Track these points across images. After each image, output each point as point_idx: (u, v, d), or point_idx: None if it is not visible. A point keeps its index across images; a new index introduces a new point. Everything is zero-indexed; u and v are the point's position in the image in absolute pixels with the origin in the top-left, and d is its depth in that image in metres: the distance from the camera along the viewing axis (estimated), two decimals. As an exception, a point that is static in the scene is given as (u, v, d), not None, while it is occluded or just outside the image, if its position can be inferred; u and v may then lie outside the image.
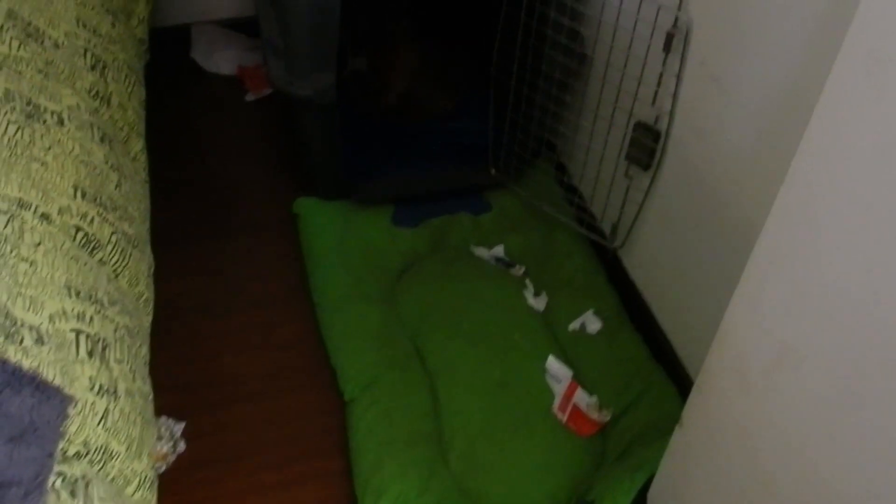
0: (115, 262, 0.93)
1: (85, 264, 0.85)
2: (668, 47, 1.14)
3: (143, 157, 1.23)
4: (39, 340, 0.71)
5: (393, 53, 1.74)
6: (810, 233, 0.68)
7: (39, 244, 0.82)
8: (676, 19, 1.12)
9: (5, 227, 0.79)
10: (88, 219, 0.91)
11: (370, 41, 1.80)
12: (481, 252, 1.50)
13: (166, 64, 1.70)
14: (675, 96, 1.18)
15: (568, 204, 1.55)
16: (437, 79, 1.76)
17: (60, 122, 1.01)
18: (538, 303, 1.40)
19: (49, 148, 0.96)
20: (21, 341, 0.70)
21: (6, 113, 0.96)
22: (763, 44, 0.97)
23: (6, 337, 0.68)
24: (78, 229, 0.89)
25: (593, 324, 1.36)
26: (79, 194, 0.94)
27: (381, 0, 1.79)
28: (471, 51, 1.72)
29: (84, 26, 1.21)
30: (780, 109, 0.97)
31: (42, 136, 0.97)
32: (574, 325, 1.36)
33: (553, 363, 1.29)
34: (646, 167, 1.28)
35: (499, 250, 1.50)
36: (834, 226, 0.65)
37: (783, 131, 0.97)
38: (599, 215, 1.48)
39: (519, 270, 1.47)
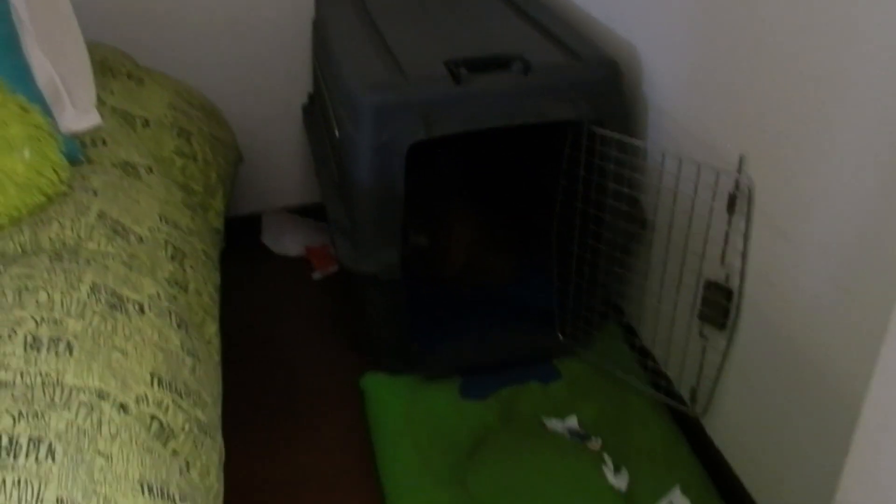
0: (188, 453, 0.92)
1: (158, 456, 0.84)
2: (731, 208, 1.14)
3: (216, 341, 1.26)
4: (111, 541, 0.69)
5: (451, 227, 1.80)
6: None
7: (116, 436, 0.82)
8: (737, 182, 1.13)
9: (85, 419, 0.80)
10: (164, 406, 0.92)
11: (430, 217, 1.87)
12: (554, 424, 1.43)
13: (239, 249, 1.79)
14: (744, 254, 1.16)
15: (641, 368, 1.50)
16: (496, 247, 1.79)
17: (141, 311, 1.05)
18: (619, 481, 1.31)
19: (129, 337, 0.99)
20: (92, 543, 0.67)
21: (91, 305, 1.00)
22: (828, 198, 0.96)
23: (78, 538, 0.66)
24: (153, 418, 0.89)
25: (681, 503, 1.25)
26: (155, 381, 0.95)
27: (438, 179, 1.88)
28: (530, 215, 1.76)
29: (166, 221, 1.29)
30: (856, 260, 0.94)
31: (124, 326, 1.00)
32: (661, 504, 1.26)
33: (643, 547, 1.18)
34: (721, 326, 1.24)
35: (572, 422, 1.44)
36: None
37: (864, 281, 0.93)
38: (676, 379, 1.41)
39: (596, 444, 1.39)
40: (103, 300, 1.02)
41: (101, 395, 0.87)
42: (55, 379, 0.86)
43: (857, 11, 0.87)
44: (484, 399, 1.48)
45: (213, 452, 0.98)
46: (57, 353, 0.90)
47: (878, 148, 0.87)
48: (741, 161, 1.13)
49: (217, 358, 1.23)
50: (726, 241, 1.19)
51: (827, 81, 0.93)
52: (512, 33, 1.49)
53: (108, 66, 1.61)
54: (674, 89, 1.31)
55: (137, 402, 0.90)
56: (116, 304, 1.03)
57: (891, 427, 0.67)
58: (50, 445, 0.77)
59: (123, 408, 0.87)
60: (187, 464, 0.91)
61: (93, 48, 1.60)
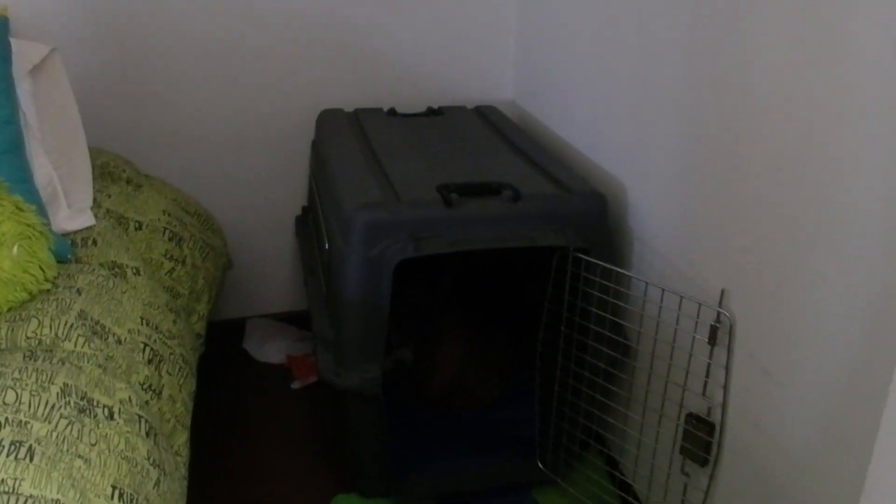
0: (141, 573, 0.87)
1: (109, 576, 0.79)
2: (713, 340, 1.15)
3: (185, 451, 1.21)
4: None
5: (438, 343, 1.78)
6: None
7: (66, 552, 0.77)
8: (718, 315, 1.14)
9: (35, 533, 0.76)
10: (121, 523, 0.87)
11: (415, 332, 1.86)
12: (531, 557, 1.37)
13: (220, 353, 1.76)
14: (725, 388, 1.15)
15: None
16: (482, 367, 1.77)
17: (110, 416, 1.02)
18: None
19: (95, 444, 0.96)
20: None
21: (59, 408, 0.97)
22: (810, 337, 0.97)
23: None
24: (109, 535, 0.85)
25: None
26: (116, 494, 0.90)
27: (425, 294, 1.89)
28: (516, 338, 1.75)
29: (147, 324, 1.28)
30: (843, 402, 0.93)
31: (90, 432, 0.97)
32: None
33: None
34: (703, 463, 1.21)
35: (550, 555, 1.38)
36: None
37: (850, 426, 0.92)
38: (658, 516, 1.37)
39: (574, 580, 1.33)
40: (72, 403, 0.99)
41: (57, 507, 0.83)
42: (11, 487, 0.82)
43: (836, 154, 0.92)
44: (460, 530, 1.42)
45: (168, 575, 0.92)
46: (17, 457, 0.87)
47: (860, 289, 0.89)
48: (722, 295, 1.14)
49: (184, 471, 1.19)
50: (708, 374, 1.18)
51: (807, 222, 0.96)
52: (505, 165, 1.55)
53: (108, 170, 1.65)
54: (658, 223, 1.34)
55: (94, 515, 0.85)
56: (85, 407, 1.00)
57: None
58: (-6, 559, 0.72)
59: (79, 522, 0.83)
60: (139, 586, 0.85)
61: (96, 153, 1.65)
